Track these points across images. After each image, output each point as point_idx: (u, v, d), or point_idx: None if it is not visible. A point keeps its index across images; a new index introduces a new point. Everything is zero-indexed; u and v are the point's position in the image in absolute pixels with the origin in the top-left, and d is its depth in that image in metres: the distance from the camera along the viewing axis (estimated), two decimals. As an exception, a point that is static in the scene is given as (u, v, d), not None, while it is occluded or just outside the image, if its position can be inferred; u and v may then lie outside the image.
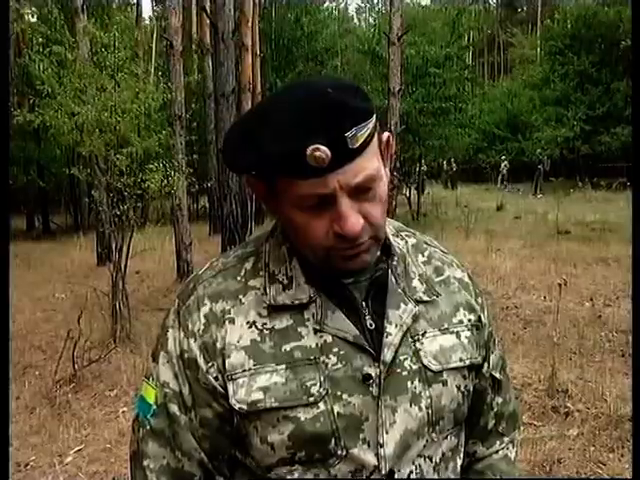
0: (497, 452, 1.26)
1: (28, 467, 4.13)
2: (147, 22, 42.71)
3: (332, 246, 0.98)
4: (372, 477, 1.01)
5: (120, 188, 6.91)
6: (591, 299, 7.70)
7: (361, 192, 0.96)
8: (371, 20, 41.69)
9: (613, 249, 11.13)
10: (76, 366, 5.56)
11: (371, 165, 0.96)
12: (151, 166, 7.36)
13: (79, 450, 4.34)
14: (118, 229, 7.05)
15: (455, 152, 25.15)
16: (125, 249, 7.03)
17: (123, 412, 4.94)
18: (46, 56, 8.42)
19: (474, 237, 13.13)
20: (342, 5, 62.38)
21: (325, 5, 35.75)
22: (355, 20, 66.88)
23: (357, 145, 0.92)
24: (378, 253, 1.06)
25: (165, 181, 7.35)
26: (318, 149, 0.89)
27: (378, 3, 54.04)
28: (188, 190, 10.22)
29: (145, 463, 1.07)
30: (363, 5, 67.26)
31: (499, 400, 1.25)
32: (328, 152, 0.89)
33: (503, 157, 32.69)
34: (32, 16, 20.83)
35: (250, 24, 17.77)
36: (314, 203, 0.95)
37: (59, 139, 8.28)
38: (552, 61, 33.80)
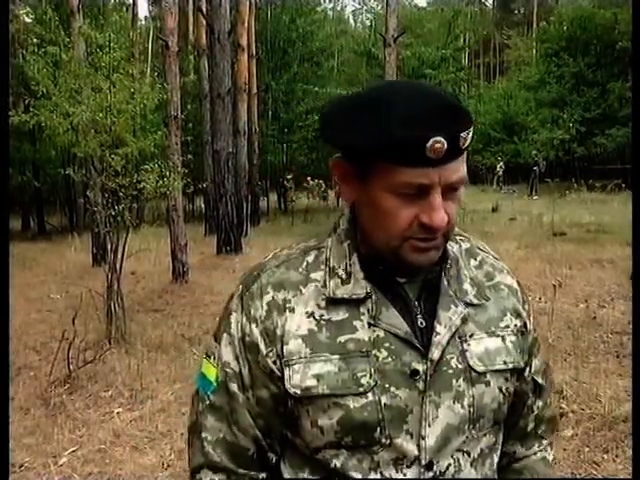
0: (535, 453, 1.30)
1: (22, 468, 4.11)
2: (143, 22, 42.79)
3: (410, 236, 1.04)
4: (412, 466, 1.06)
5: (115, 189, 6.89)
6: (586, 300, 7.70)
7: (450, 191, 1.03)
8: (367, 21, 41.77)
9: (608, 251, 11.15)
10: (71, 367, 5.55)
11: (464, 168, 1.04)
12: (146, 167, 7.36)
13: (74, 451, 4.33)
14: (113, 230, 7.04)
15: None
16: (120, 250, 7.01)
17: (118, 413, 4.93)
18: (41, 56, 8.38)
19: (469, 238, 13.12)
20: (338, 7, 62.47)
21: (322, 7, 35.69)
22: (351, 21, 66.99)
23: (465, 146, 1.00)
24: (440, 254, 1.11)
25: (160, 182, 7.35)
26: (439, 142, 0.96)
27: (376, 5, 53.94)
28: (184, 191, 10.20)
29: (203, 435, 1.15)
30: (359, 6, 67.21)
31: (540, 404, 1.29)
32: (446, 146, 0.96)
33: (499, 158, 32.76)
34: (27, 16, 20.81)
35: (246, 25, 17.82)
36: (411, 192, 1.01)
37: (54, 140, 8.26)
38: (548, 63, 33.93)
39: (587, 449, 4.07)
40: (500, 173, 32.31)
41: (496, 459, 1.18)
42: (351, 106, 1.06)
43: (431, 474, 1.06)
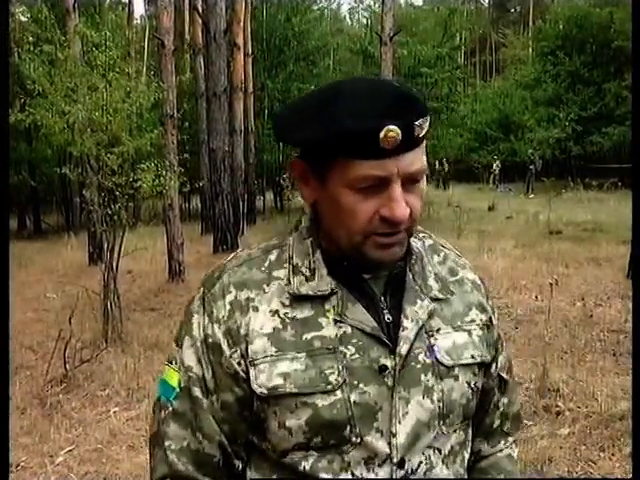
0: (501, 451, 1.29)
1: (19, 468, 4.11)
2: (139, 21, 42.72)
3: (372, 231, 1.02)
4: (384, 465, 1.04)
5: (112, 188, 6.89)
6: (582, 299, 7.71)
7: (411, 183, 1.01)
8: (363, 20, 41.75)
9: (604, 249, 11.17)
10: (67, 366, 5.55)
11: (423, 159, 1.03)
12: (143, 165, 7.36)
13: (70, 450, 4.32)
14: (110, 229, 7.03)
15: (447, 152, 25.22)
16: (116, 249, 7.01)
17: (114, 412, 4.92)
18: (37, 55, 8.39)
19: (466, 237, 13.15)
20: (334, 5, 62.38)
21: (318, 6, 35.63)
22: (347, 20, 66.98)
23: (421, 135, 0.99)
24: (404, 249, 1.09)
25: (157, 180, 7.34)
26: (392, 130, 0.94)
27: (372, 3, 53.89)
28: (180, 190, 10.20)
29: (166, 444, 1.10)
30: (356, 5, 67.15)
31: (505, 400, 1.28)
32: (400, 135, 0.95)
33: (495, 157, 32.77)
34: (23, 15, 20.78)
35: (242, 24, 17.79)
36: (368, 185, 0.99)
37: (50, 138, 8.26)
38: (544, 62, 33.95)
39: (584, 447, 4.08)
40: (496, 172, 32.29)
41: (467, 456, 1.17)
42: (303, 105, 1.06)
43: (403, 472, 1.04)
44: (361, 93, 0.98)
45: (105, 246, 7.28)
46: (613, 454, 3.97)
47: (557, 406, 4.64)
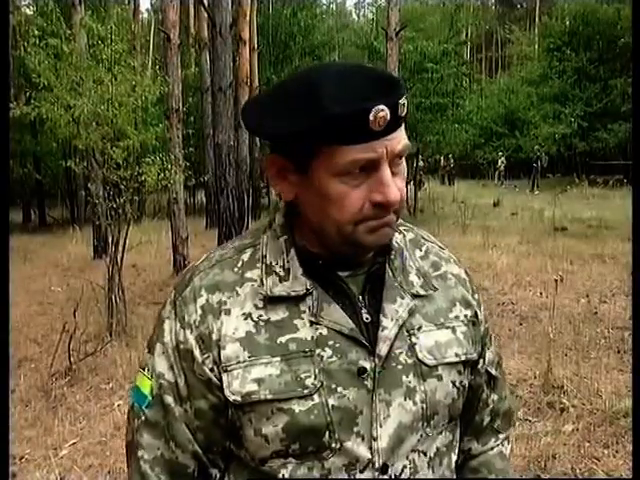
0: (492, 449, 1.26)
1: (23, 460, 4.12)
2: (144, 15, 42.68)
3: (364, 218, 0.98)
4: (365, 471, 1.00)
5: (117, 181, 6.90)
6: (587, 296, 7.70)
7: (395, 165, 0.99)
8: (369, 15, 41.64)
9: (609, 246, 11.14)
10: (72, 359, 5.56)
11: (406, 137, 1.00)
12: (148, 159, 7.37)
13: (74, 443, 4.34)
14: (114, 222, 7.04)
15: (452, 148, 25.07)
16: (121, 242, 7.01)
17: (118, 405, 4.93)
18: (42, 49, 8.36)
19: (471, 233, 13.13)
20: (340, 0, 62.30)
21: (324, 1, 35.63)
22: (353, 15, 66.88)
23: (404, 113, 0.97)
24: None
25: (162, 174, 7.36)
26: (382, 110, 0.92)
27: (376, -2, 53.73)
28: (185, 184, 10.22)
29: (140, 454, 1.07)
30: (362, 0, 67.05)
31: (495, 397, 1.25)
32: (389, 114, 0.93)
33: (500, 153, 32.71)
34: (28, 8, 20.79)
35: (247, 18, 17.74)
36: (357, 170, 0.96)
37: (56, 132, 8.26)
38: (550, 58, 33.85)
39: (587, 444, 4.07)
40: (501, 168, 32.26)
41: (454, 457, 1.13)
42: (276, 96, 1.02)
43: (386, 477, 1.01)
44: (342, 76, 0.95)
45: (110, 240, 7.30)
46: (617, 451, 3.96)
47: (561, 403, 4.63)
